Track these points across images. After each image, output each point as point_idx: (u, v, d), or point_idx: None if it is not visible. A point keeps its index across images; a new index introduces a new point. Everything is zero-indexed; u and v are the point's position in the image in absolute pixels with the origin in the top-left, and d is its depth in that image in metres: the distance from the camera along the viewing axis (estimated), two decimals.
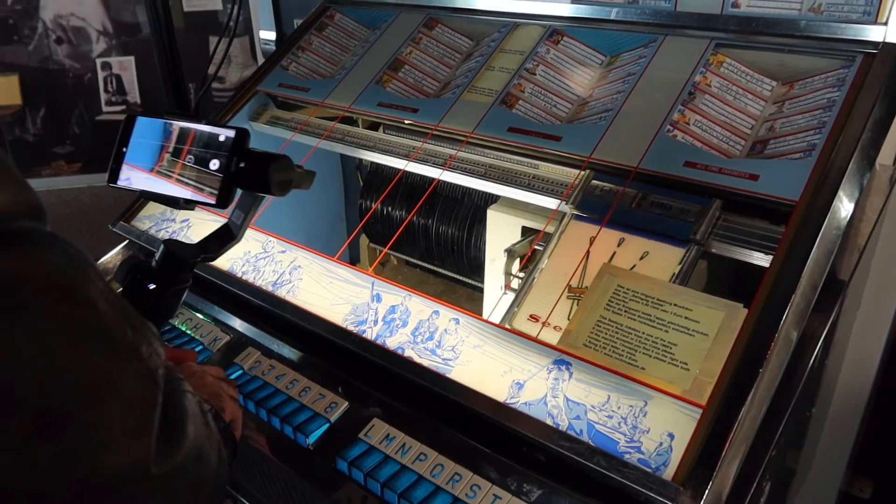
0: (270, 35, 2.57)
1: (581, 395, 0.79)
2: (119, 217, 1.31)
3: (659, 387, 0.77)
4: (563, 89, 1.17)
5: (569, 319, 0.86)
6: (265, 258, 1.12)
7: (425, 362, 0.89)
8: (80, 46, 4.23)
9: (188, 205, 0.86)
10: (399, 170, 1.21)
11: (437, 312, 0.94)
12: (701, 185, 0.93)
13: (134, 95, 4.11)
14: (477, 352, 0.88)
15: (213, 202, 0.83)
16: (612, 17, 1.18)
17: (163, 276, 0.86)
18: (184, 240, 1.21)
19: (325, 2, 1.57)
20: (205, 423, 0.64)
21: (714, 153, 0.96)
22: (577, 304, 0.87)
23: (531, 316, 0.89)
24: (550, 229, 1.01)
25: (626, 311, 0.85)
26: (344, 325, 0.98)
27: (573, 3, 1.22)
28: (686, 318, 0.82)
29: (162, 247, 0.86)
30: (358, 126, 1.37)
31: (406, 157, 1.20)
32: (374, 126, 1.36)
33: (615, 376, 0.79)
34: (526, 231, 1.13)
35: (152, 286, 0.85)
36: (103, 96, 4.37)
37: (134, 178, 0.86)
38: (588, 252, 0.91)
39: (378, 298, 0.99)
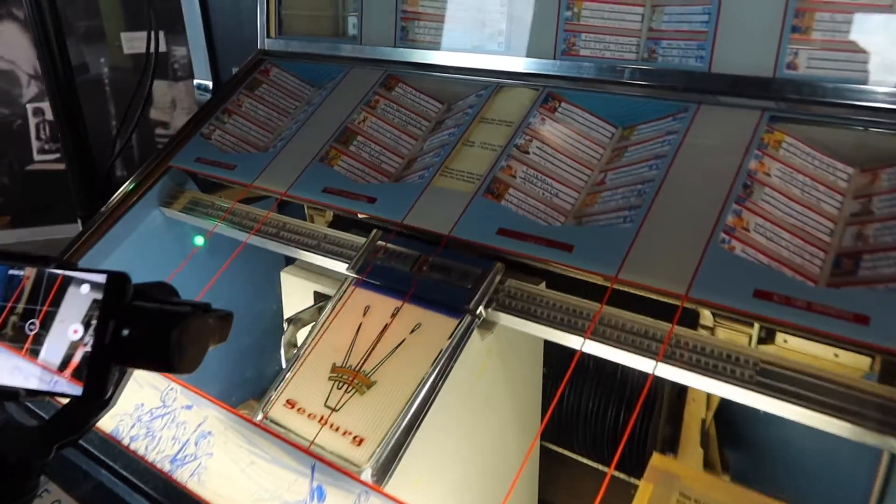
0: (207, 83, 2.26)
1: None
2: None
3: None
4: (566, 173, 0.89)
5: (327, 406, 0.74)
6: (164, 416, 0.80)
7: None
8: (8, 91, 3.87)
9: (33, 397, 0.56)
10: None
11: None
12: (788, 328, 0.65)
13: None
14: None
15: (79, 393, 0.53)
16: (625, 78, 0.91)
17: None
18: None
19: (258, 53, 1.28)
20: None
21: (791, 275, 0.68)
22: (339, 388, 0.75)
23: (288, 402, 0.77)
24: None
25: None
26: None
27: (564, 59, 0.95)
28: None
29: None
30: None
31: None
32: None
33: None
34: (319, 297, 0.99)
35: None
36: (35, 144, 4.00)
37: None
38: (361, 324, 0.81)
39: (320, 495, 0.68)
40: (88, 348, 0.52)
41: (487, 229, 0.83)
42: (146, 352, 0.52)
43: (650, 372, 0.68)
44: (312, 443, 0.72)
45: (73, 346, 0.53)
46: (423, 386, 0.73)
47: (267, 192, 1.03)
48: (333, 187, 0.97)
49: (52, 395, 0.53)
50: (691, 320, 0.89)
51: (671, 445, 1.02)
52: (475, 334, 0.78)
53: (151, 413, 0.81)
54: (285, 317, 0.96)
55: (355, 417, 0.73)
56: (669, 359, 0.68)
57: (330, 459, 0.70)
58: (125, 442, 0.79)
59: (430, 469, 0.76)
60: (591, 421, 1.03)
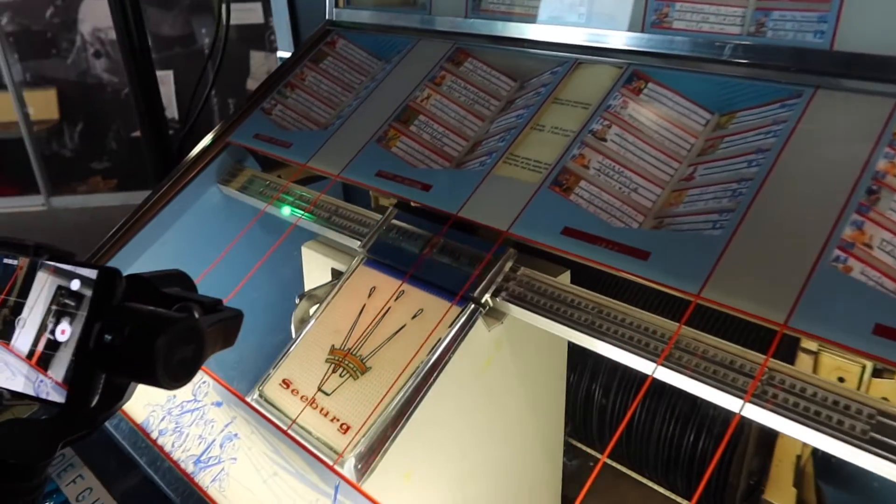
0: (289, 55, 2.25)
1: None
2: None
3: None
4: (648, 165, 0.77)
5: (320, 389, 0.71)
6: (193, 412, 0.76)
7: None
8: (118, 60, 4.04)
9: (19, 400, 0.51)
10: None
11: None
12: None
13: (171, 111, 3.89)
14: None
15: (62, 400, 0.48)
16: (726, 55, 0.78)
17: None
18: None
19: (325, 23, 1.21)
20: None
21: None
22: (334, 371, 0.72)
23: (284, 381, 0.74)
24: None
25: None
26: None
27: (653, 32, 0.82)
28: None
29: None
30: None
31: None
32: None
33: None
34: (336, 274, 0.94)
35: None
36: None
37: None
38: (364, 305, 0.77)
39: None
40: (72, 353, 0.47)
41: (551, 228, 0.73)
42: (129, 361, 0.46)
43: (736, 412, 0.57)
44: (340, 457, 0.65)
45: (59, 348, 0.48)
46: (417, 375, 0.68)
47: (320, 173, 0.97)
48: (388, 171, 0.89)
49: (36, 401, 0.49)
50: (789, 339, 0.76)
51: (758, 479, 0.90)
52: (480, 324, 0.72)
53: (182, 406, 0.77)
54: (306, 289, 0.92)
55: (345, 403, 0.69)
56: (760, 398, 0.56)
57: (314, 446, 0.68)
58: (154, 435, 0.75)
59: (426, 462, 0.71)
60: (663, 442, 0.91)
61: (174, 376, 0.46)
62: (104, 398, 0.52)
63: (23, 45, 3.85)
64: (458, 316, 0.71)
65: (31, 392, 0.49)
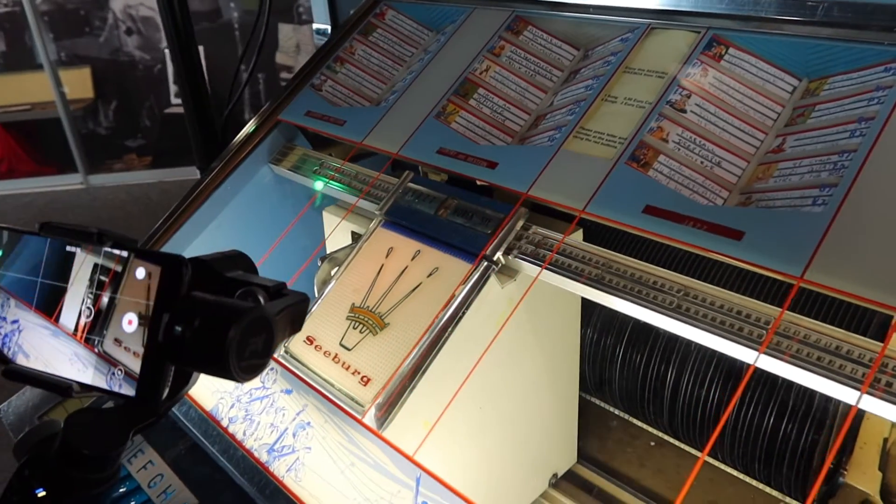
0: (326, 27, 2.21)
1: None
2: None
3: None
4: (732, 136, 0.72)
5: (341, 345, 0.75)
6: (262, 399, 0.74)
7: None
8: (149, 37, 4.03)
9: (87, 392, 0.50)
10: None
11: None
12: None
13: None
14: None
15: (132, 393, 0.46)
16: (819, 16, 0.72)
17: (63, 478, 0.50)
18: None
19: None
20: None
21: None
22: (354, 328, 0.76)
23: (308, 338, 0.78)
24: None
25: None
26: None
27: None
28: None
29: (60, 432, 0.51)
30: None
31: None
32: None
33: None
34: (356, 237, 0.96)
35: (41, 492, 0.50)
36: (172, 88, 4.16)
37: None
38: (382, 266, 0.80)
39: None
40: (140, 346, 0.45)
41: (631, 207, 0.69)
42: (201, 354, 0.43)
43: (852, 403, 0.53)
44: (418, 449, 0.64)
45: (127, 340, 0.46)
46: (433, 330, 0.71)
47: (376, 151, 0.94)
48: (449, 148, 0.86)
49: (105, 393, 0.47)
50: (884, 317, 0.72)
51: (838, 461, 0.86)
52: (494, 282, 0.74)
53: (250, 394, 0.75)
54: (328, 252, 0.93)
55: (366, 358, 0.73)
56: (874, 387, 0.53)
57: (337, 398, 0.71)
58: (224, 423, 0.74)
59: (445, 413, 0.72)
60: (741, 425, 0.88)
61: (246, 369, 0.44)
62: (172, 386, 0.51)
63: (57, 23, 3.86)
64: (471, 273, 0.73)
65: (101, 384, 0.48)
